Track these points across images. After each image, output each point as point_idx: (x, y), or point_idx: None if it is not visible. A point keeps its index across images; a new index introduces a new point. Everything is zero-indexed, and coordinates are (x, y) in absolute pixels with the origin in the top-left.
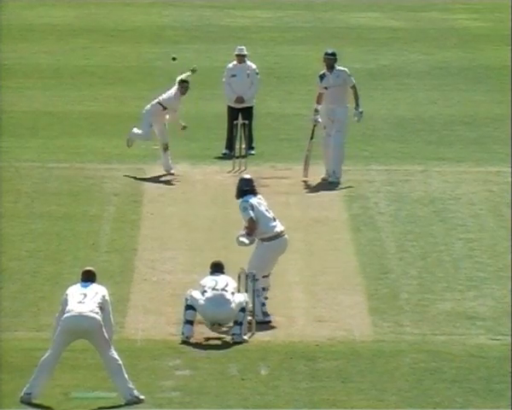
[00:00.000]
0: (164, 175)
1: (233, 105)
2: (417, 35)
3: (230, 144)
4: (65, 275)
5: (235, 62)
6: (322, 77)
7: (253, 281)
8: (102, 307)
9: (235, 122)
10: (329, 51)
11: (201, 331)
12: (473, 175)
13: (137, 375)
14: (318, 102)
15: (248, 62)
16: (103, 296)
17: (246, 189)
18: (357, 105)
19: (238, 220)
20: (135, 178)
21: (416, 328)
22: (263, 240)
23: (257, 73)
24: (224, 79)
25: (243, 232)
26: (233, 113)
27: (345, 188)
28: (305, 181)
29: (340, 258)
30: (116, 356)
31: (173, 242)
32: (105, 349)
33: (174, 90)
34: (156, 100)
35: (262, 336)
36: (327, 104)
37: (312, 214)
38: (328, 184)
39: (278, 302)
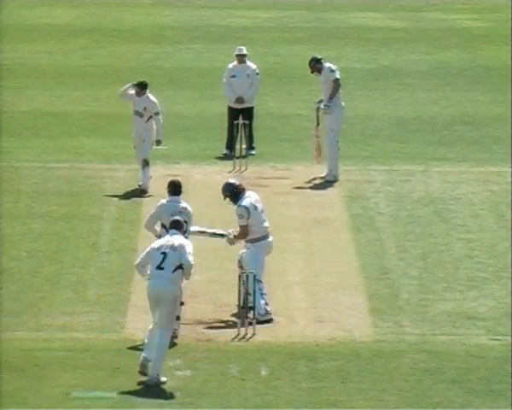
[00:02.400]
0: (164, 175)
1: (233, 105)
2: (417, 35)
3: (231, 144)
4: (65, 275)
5: (235, 63)
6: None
7: (254, 281)
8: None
9: (235, 122)
10: (310, 59)
11: (201, 331)
12: (473, 175)
13: (137, 375)
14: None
15: (248, 63)
16: (181, 252)
17: (236, 191)
18: (330, 99)
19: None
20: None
21: (416, 328)
22: (251, 241)
23: (257, 74)
24: (224, 80)
25: (233, 235)
26: (233, 113)
27: (345, 188)
28: (307, 180)
29: (341, 258)
30: (162, 336)
31: None
32: (160, 323)
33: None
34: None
35: (262, 337)
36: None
37: (312, 214)
38: (327, 183)
39: (278, 302)
